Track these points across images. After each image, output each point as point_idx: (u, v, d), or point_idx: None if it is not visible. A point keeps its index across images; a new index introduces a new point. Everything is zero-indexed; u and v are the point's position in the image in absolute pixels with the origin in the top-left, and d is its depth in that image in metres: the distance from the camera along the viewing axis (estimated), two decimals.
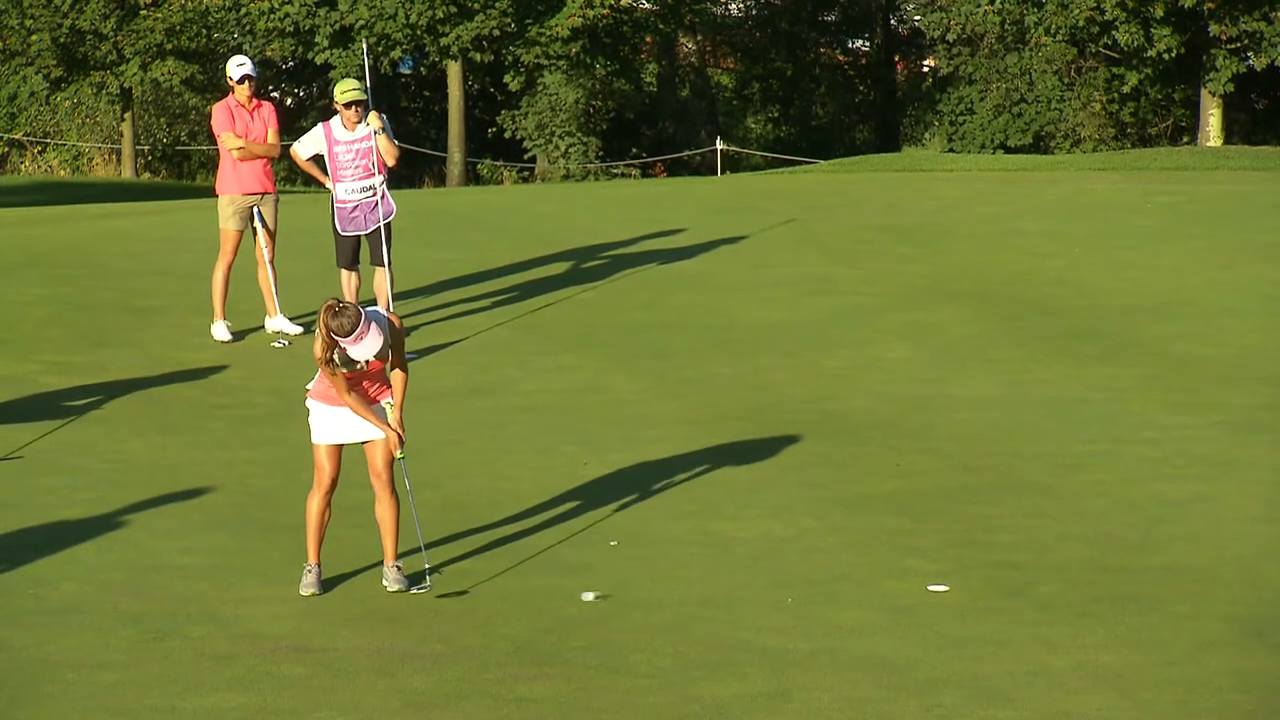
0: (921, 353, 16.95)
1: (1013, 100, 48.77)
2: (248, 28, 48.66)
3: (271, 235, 17.36)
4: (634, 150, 52.55)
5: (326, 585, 11.07)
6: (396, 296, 17.30)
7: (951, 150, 47.89)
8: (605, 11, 47.61)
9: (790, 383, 16.05)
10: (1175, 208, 24.29)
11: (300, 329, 17.52)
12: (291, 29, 47.93)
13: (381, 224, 17.11)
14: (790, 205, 24.89)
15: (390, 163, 17.07)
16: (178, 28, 48.16)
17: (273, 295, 17.36)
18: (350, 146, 17.03)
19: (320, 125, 17.31)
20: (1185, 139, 48.57)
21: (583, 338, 17.52)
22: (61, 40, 47.85)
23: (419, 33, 47.54)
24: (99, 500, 12.83)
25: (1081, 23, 44.84)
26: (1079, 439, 14.18)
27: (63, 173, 51.88)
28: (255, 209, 17.28)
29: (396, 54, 48.21)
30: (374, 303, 17.52)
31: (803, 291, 19.42)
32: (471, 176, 49.81)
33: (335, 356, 10.80)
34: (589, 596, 10.87)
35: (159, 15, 48.07)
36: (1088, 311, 18.50)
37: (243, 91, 17.20)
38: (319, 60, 48.49)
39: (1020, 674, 9.72)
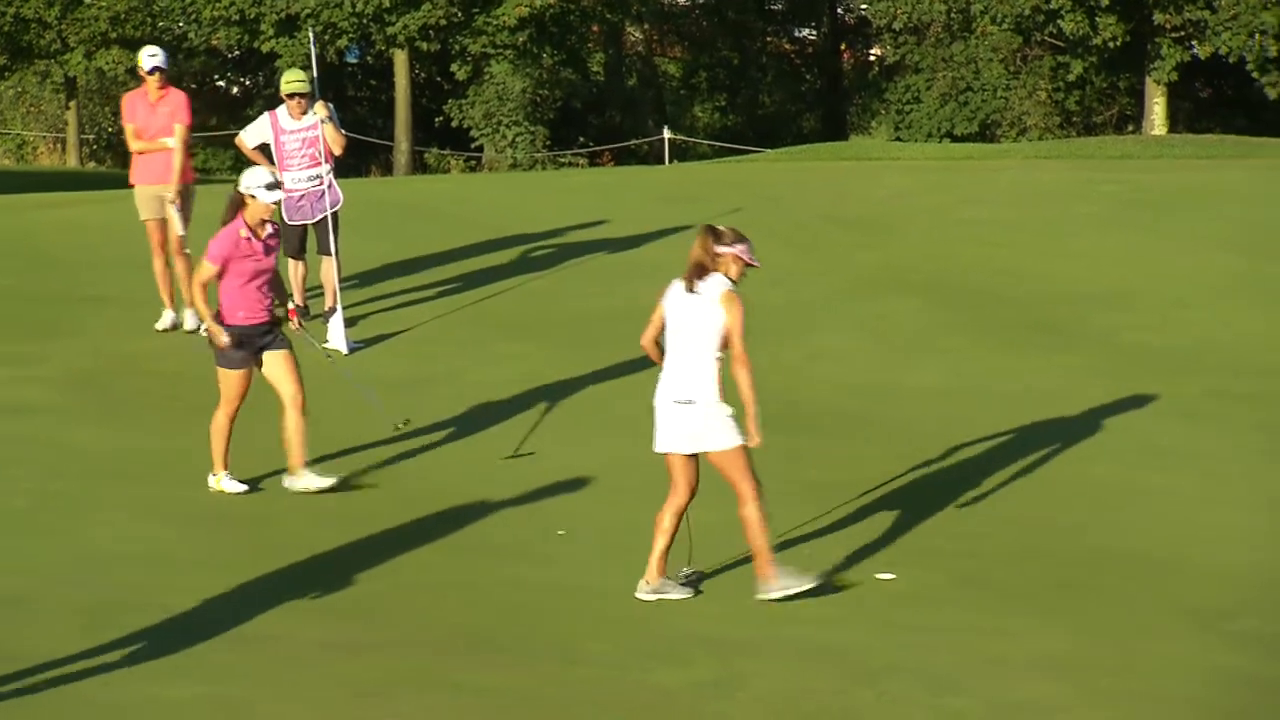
0: (872, 343, 16.96)
1: (959, 89, 48.88)
2: (193, 16, 48.42)
3: (183, 225, 16.93)
4: (581, 139, 52.52)
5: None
6: (343, 285, 17.22)
7: (898, 139, 47.97)
8: (552, 1, 47.53)
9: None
10: (1120, 196, 24.36)
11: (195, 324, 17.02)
12: (237, 18, 47.69)
13: (328, 213, 17.06)
14: (738, 194, 24.87)
15: (337, 151, 17.00)
16: (122, 16, 47.88)
17: (169, 287, 17.00)
18: (296, 135, 16.97)
19: (266, 114, 17.27)
20: (1130, 127, 48.76)
21: (531, 327, 17.46)
22: (5, 29, 47.53)
23: (365, 21, 47.37)
24: (44, 490, 12.73)
25: (1027, 11, 44.98)
26: (1028, 427, 14.19)
27: (6, 161, 51.52)
28: (167, 198, 16.90)
29: (343, 43, 48.04)
30: (320, 290, 17.44)
31: (755, 282, 19.34)
32: (418, 166, 49.68)
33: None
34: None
35: (103, 4, 47.80)
36: (1036, 301, 18.54)
37: (153, 83, 16.90)
38: (265, 49, 48.26)
39: (971, 662, 9.73)
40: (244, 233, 12.55)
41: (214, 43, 49.77)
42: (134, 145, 16.88)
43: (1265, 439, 13.96)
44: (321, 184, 17.03)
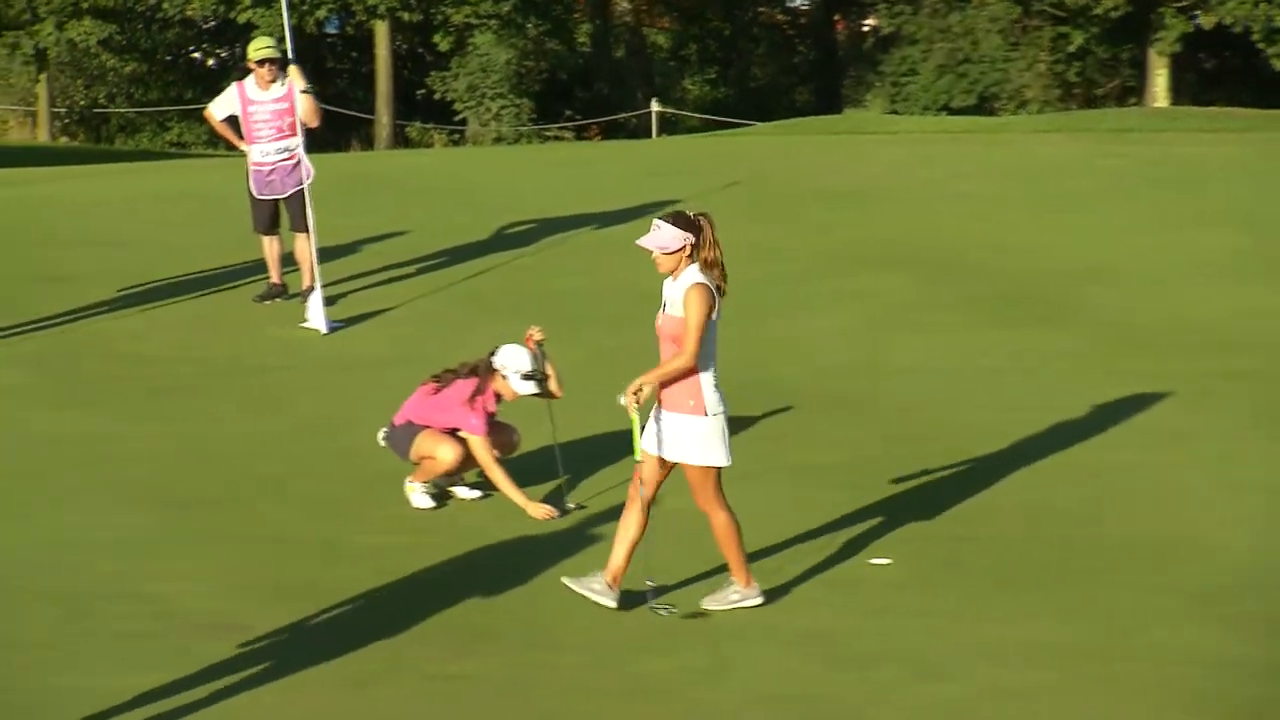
0: (860, 320, 16.84)
1: (956, 60, 48.59)
2: None
3: None
4: (568, 112, 52.25)
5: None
6: (321, 263, 16.92)
7: (894, 112, 47.72)
8: None
9: (728, 351, 15.77)
10: (1120, 171, 24.32)
11: None
12: None
13: (302, 187, 16.68)
14: (728, 168, 24.75)
15: (313, 124, 16.64)
16: None
17: None
18: (265, 106, 16.61)
19: (234, 85, 16.87)
20: (1132, 99, 48.54)
21: (515, 305, 17.25)
22: None
23: None
24: (12, 475, 12.55)
25: None
26: (1019, 407, 14.05)
27: None
28: None
29: (322, 13, 47.74)
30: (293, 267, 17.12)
31: (739, 257, 18.96)
32: (400, 139, 49.45)
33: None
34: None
35: None
36: (1028, 276, 18.44)
37: None
38: (241, 20, 47.83)
39: (961, 648, 9.56)
40: (491, 406, 12.02)
41: (189, 13, 49.38)
42: None
43: (1256, 418, 13.83)
44: (292, 158, 16.67)
